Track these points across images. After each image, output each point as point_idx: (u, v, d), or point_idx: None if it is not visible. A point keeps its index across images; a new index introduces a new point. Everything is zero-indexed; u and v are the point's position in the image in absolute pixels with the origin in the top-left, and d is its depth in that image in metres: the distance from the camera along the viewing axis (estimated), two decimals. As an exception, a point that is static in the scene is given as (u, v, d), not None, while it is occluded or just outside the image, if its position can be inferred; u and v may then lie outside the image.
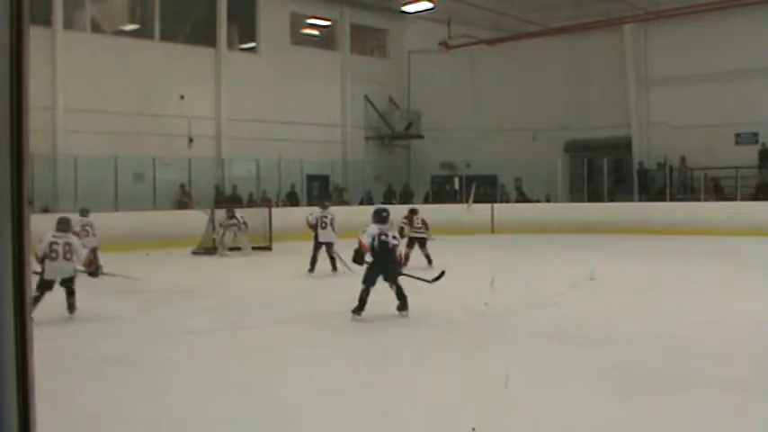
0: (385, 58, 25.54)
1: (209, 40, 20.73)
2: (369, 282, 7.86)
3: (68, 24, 18.29)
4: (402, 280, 8.06)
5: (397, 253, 8.26)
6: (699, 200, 20.63)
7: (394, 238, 8.17)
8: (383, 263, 7.91)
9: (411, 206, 14.29)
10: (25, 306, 1.04)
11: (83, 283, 8.48)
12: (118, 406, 4.97)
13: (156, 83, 19.04)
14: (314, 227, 12.23)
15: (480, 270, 11.95)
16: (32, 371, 1.05)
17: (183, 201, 19.15)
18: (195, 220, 16.49)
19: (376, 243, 7.91)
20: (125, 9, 20.78)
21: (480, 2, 20.93)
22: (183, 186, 19.39)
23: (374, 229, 8.02)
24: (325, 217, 12.27)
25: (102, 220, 13.06)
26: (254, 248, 16.06)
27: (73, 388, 5.19)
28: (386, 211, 8.41)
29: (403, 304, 7.94)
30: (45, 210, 15.92)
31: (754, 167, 20.66)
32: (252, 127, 20.60)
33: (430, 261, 12.34)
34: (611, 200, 21.80)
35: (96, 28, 19.20)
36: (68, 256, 7.94)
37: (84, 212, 12.61)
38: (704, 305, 9.03)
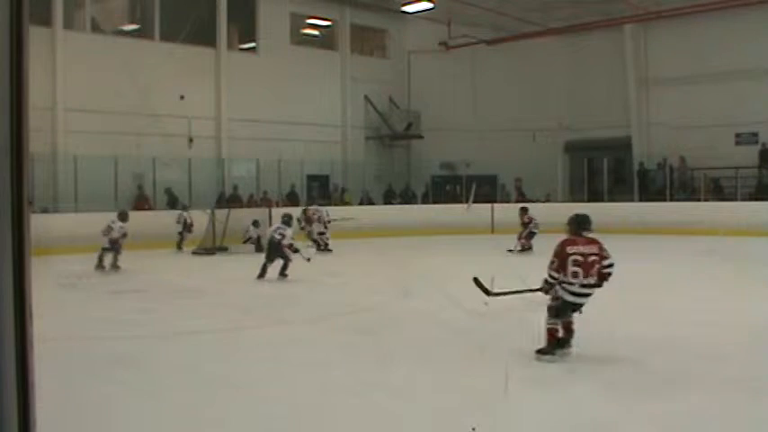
0: (385, 58, 25.53)
1: (209, 40, 20.72)
2: (268, 259, 11.30)
3: (68, 24, 18.29)
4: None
5: (283, 245, 11.30)
6: (699, 200, 20.60)
7: (279, 235, 11.29)
8: (271, 251, 11.32)
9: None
10: (25, 306, 1.04)
11: (84, 285, 8.48)
12: (118, 406, 4.97)
13: (156, 83, 19.00)
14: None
15: (480, 270, 11.95)
16: (32, 371, 1.05)
17: (140, 199, 18.75)
18: (196, 220, 16.49)
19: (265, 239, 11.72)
20: (125, 9, 20.79)
21: (480, 2, 20.91)
22: (140, 187, 18.86)
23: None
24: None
25: (102, 220, 13.07)
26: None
27: (73, 388, 5.19)
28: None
29: (282, 275, 11.15)
30: (45, 210, 15.91)
31: (754, 167, 20.64)
32: (252, 127, 20.60)
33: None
34: (611, 200, 21.74)
35: (96, 28, 19.21)
36: None
37: None
38: (704, 305, 9.02)
